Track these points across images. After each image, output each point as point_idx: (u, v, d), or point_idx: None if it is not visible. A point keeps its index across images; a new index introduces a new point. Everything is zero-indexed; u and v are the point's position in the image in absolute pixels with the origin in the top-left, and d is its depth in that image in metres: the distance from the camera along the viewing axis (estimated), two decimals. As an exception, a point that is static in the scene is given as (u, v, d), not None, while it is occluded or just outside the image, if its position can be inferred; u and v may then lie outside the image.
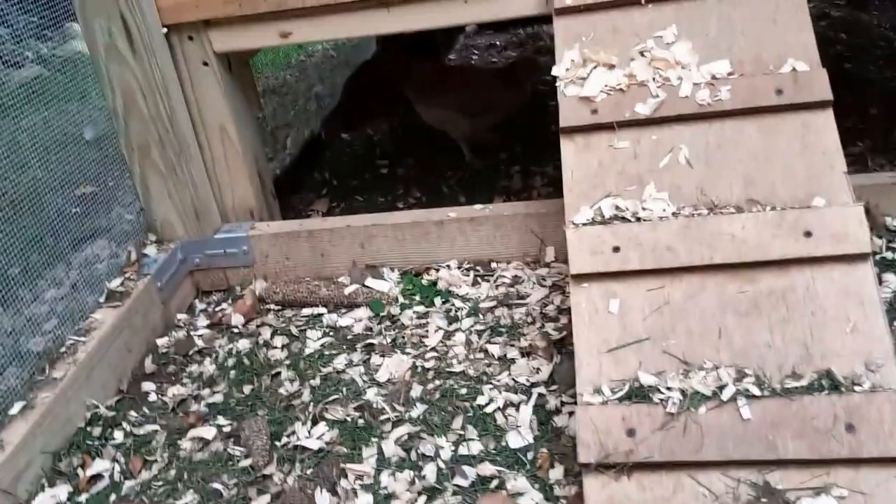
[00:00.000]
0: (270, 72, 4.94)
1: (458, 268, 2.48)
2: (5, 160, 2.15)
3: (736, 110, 1.92)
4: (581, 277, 1.81)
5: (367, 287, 2.45)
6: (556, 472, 1.77)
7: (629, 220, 1.84)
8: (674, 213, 1.83)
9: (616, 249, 1.80)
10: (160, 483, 1.89)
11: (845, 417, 1.52)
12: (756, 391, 1.59)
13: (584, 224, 1.86)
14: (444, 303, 2.36)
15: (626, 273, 1.79)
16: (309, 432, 1.96)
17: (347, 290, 2.44)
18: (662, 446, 1.58)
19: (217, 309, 2.53)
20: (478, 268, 2.48)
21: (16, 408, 1.92)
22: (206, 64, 2.48)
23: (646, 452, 1.58)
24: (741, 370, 1.64)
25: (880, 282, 2.05)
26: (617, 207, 1.87)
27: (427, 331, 2.26)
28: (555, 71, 2.11)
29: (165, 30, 2.40)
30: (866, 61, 3.75)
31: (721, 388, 1.61)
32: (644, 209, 1.85)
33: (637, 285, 1.78)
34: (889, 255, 2.13)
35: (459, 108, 3.29)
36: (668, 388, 1.64)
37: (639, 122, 1.95)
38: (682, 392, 1.63)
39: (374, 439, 1.92)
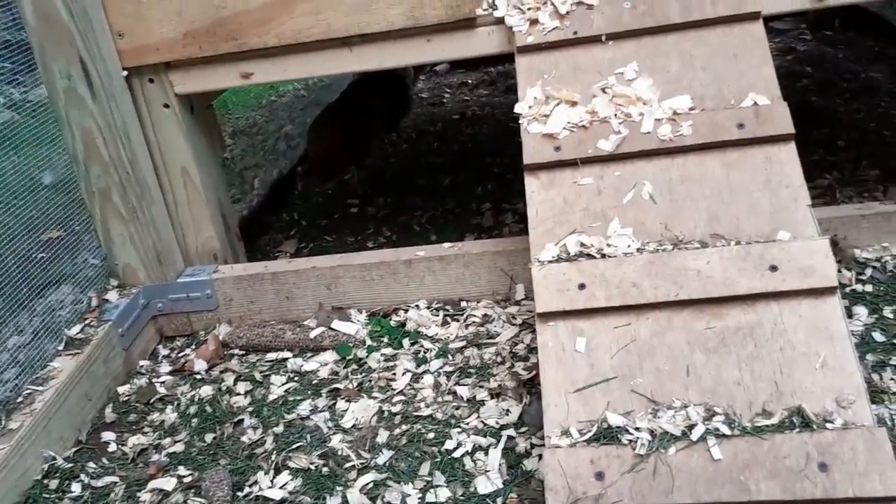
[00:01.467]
0: (241, 112, 4.92)
1: (428, 308, 2.44)
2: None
3: (698, 145, 1.91)
4: (547, 316, 1.78)
5: (334, 330, 2.40)
6: (526, 519, 1.72)
7: (594, 257, 1.81)
8: (638, 249, 1.81)
9: (582, 287, 1.78)
10: (115, 540, 1.82)
11: (818, 456, 1.49)
12: (726, 430, 1.56)
13: (550, 261, 1.84)
14: (412, 344, 2.32)
15: (592, 310, 1.76)
16: (272, 482, 1.90)
17: (313, 334, 2.39)
18: (632, 490, 1.54)
19: (180, 355, 2.47)
20: (447, 307, 2.44)
21: (-34, 462, 1.85)
22: (167, 106, 2.45)
23: (615, 496, 1.54)
24: (710, 409, 1.60)
25: (850, 315, 2.03)
26: (582, 244, 1.84)
27: (395, 373, 2.21)
28: (518, 108, 2.10)
29: (125, 72, 2.37)
30: (833, 94, 3.78)
31: (690, 427, 1.58)
32: (609, 245, 1.82)
33: (604, 323, 1.75)
34: (859, 287, 2.12)
35: None
36: (637, 429, 1.60)
37: (602, 159, 1.94)
38: (651, 432, 1.59)
39: (338, 488, 1.85)
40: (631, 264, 1.77)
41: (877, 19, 4.48)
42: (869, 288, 2.10)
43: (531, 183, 1.96)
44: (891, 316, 2.02)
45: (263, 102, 5.14)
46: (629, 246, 1.81)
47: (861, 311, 2.05)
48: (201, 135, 2.58)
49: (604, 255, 1.81)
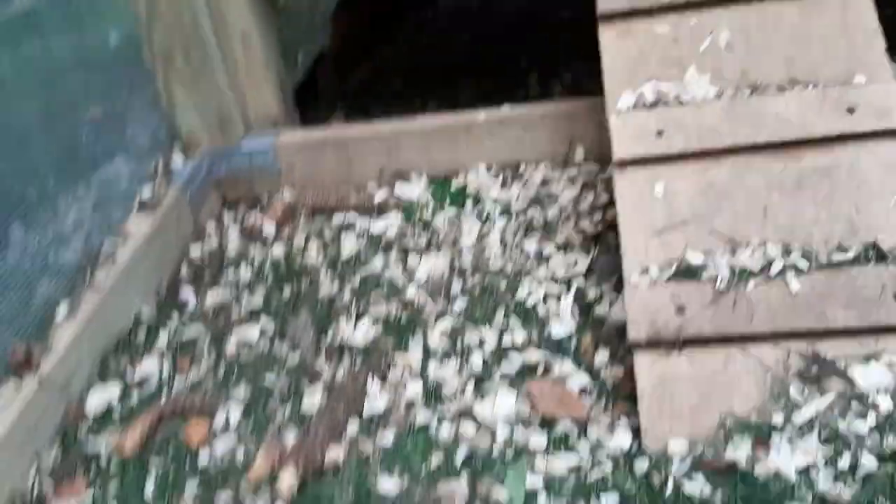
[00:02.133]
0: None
1: (487, 171, 2.47)
2: (17, 82, 2.13)
3: (775, -10, 1.90)
4: (625, 163, 1.82)
5: (397, 193, 2.45)
6: (601, 357, 1.80)
7: (672, 104, 1.83)
8: (716, 95, 1.82)
9: (660, 133, 1.80)
10: (209, 381, 1.92)
11: (893, 287, 1.54)
12: (803, 265, 1.61)
13: (627, 109, 1.86)
14: (475, 205, 2.37)
15: (670, 157, 1.79)
16: (354, 329, 1.98)
17: (377, 197, 2.44)
18: (713, 321, 1.61)
19: (246, 218, 2.53)
20: (506, 170, 2.47)
21: (61, 309, 1.94)
22: (226, -31, 2.43)
23: (696, 328, 1.61)
24: (788, 245, 1.65)
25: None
26: (659, 92, 1.86)
27: (461, 232, 2.27)
28: (587, -41, 2.07)
29: (186, -66, 2.34)
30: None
31: (769, 263, 1.63)
32: (686, 92, 1.84)
33: (681, 168, 1.78)
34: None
35: None
36: (716, 266, 1.66)
37: (678, 7, 1.93)
38: (731, 269, 1.64)
39: (418, 332, 1.94)
40: (709, 110, 1.79)
41: None
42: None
43: (606, 32, 1.96)
44: (956, 165, 2.04)
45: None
46: (707, 92, 1.83)
47: (926, 161, 2.07)
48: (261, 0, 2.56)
49: (681, 102, 1.83)
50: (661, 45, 1.91)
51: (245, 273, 2.27)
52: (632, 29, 1.94)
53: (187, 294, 2.23)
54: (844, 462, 1.43)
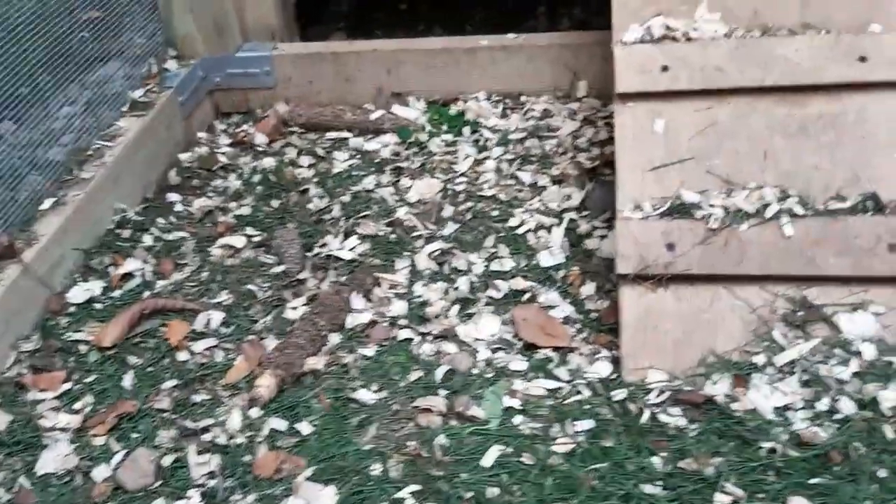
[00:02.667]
0: None
1: (487, 99, 2.43)
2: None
3: (795, -67, 1.85)
4: (627, 97, 1.78)
5: (394, 114, 2.41)
6: (588, 289, 1.80)
7: (679, 40, 1.80)
8: (726, 35, 1.79)
9: (665, 69, 1.77)
10: (193, 284, 1.90)
11: (889, 238, 1.54)
12: (800, 210, 1.60)
13: (633, 42, 1.82)
14: (472, 132, 2.33)
15: (673, 93, 1.76)
16: (341, 244, 1.97)
17: (373, 116, 2.40)
18: (702, 260, 1.60)
19: (238, 129, 2.49)
20: (507, 100, 2.44)
21: (46, 203, 1.91)
22: None
23: (685, 265, 1.60)
24: (785, 191, 1.64)
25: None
26: (667, 27, 1.82)
27: (456, 158, 2.24)
28: None
29: None
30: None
31: (765, 206, 1.62)
32: (695, 29, 1.80)
33: (684, 105, 1.75)
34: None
35: None
36: (711, 206, 1.64)
37: (694, -59, 1.88)
38: (725, 209, 1.63)
39: (406, 253, 1.93)
40: (717, 48, 1.76)
41: None
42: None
43: (618, -38, 1.91)
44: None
45: None
46: (716, 30, 1.79)
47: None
48: None
49: (689, 39, 1.80)
50: (676, -22, 1.86)
51: (234, 182, 2.24)
52: (646, -41, 1.89)
53: (175, 198, 2.20)
54: (823, 405, 1.44)
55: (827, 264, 1.55)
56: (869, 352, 1.49)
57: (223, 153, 2.37)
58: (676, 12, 1.84)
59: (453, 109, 2.43)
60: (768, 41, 1.75)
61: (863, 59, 1.68)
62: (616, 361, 1.61)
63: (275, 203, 2.14)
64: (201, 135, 2.46)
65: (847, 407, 1.43)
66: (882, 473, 1.32)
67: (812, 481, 1.33)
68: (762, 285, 1.58)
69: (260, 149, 2.37)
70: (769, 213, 1.61)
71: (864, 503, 1.29)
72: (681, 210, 1.66)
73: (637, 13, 1.87)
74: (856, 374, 1.47)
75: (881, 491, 1.30)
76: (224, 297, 1.85)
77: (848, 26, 1.75)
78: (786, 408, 1.45)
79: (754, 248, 1.59)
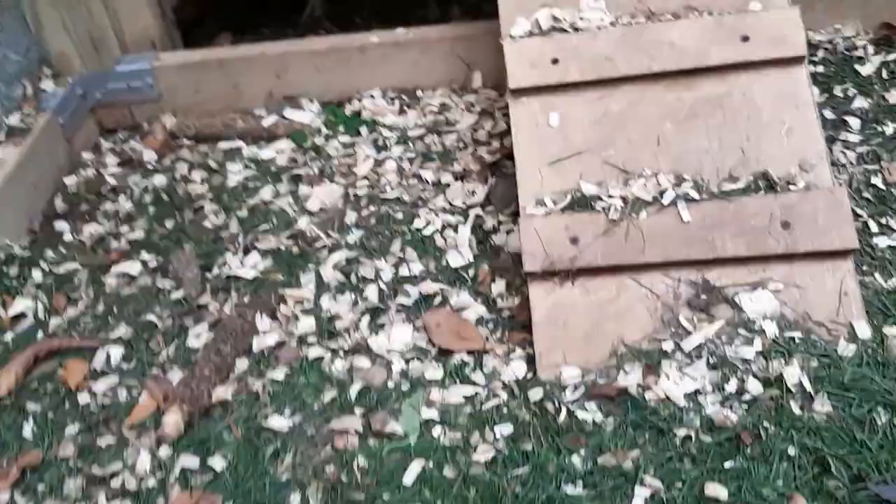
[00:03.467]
0: None
1: (383, 96, 2.39)
2: None
3: (671, -85, 1.86)
4: (520, 92, 1.77)
5: (287, 118, 2.34)
6: (498, 287, 1.78)
7: (567, 31, 1.79)
8: (612, 23, 1.79)
9: (555, 61, 1.76)
10: (89, 318, 1.81)
11: (781, 215, 1.57)
12: (695, 195, 1.62)
13: (522, 36, 1.81)
14: (370, 132, 2.29)
15: (565, 85, 1.76)
16: (241, 262, 1.90)
17: (266, 122, 2.33)
18: (605, 251, 1.61)
19: (125, 146, 2.38)
20: (403, 96, 2.40)
21: (-80, 247, 1.79)
22: None
23: (589, 258, 1.61)
24: (680, 176, 1.66)
25: (803, 94, 2.10)
26: (554, 18, 1.81)
27: (355, 160, 2.19)
28: None
29: None
30: None
31: (661, 193, 1.63)
32: (582, 19, 1.80)
33: (577, 97, 1.75)
34: (812, 67, 2.17)
35: None
36: (610, 196, 1.65)
37: (575, -71, 1.87)
38: (623, 199, 1.64)
39: (310, 266, 1.88)
40: (604, 37, 1.76)
41: None
42: (821, 69, 2.16)
43: (501, -46, 1.89)
44: (840, 95, 2.09)
45: None
46: (602, 19, 1.79)
47: (814, 90, 2.11)
48: None
49: (577, 29, 1.79)
50: (559, -33, 1.85)
51: (125, 204, 2.14)
52: (529, -50, 1.87)
53: (63, 227, 2.10)
54: (731, 387, 1.47)
55: (725, 246, 1.57)
56: (770, 329, 1.52)
57: (111, 174, 2.26)
58: (562, 3, 1.83)
59: (349, 109, 2.38)
60: (654, 27, 1.76)
61: (745, 38, 1.71)
62: (531, 360, 1.61)
63: (169, 223, 2.06)
64: (86, 156, 2.35)
65: (754, 387, 1.46)
66: (792, 451, 1.36)
67: (727, 465, 1.36)
68: (665, 272, 1.60)
69: (149, 166, 2.27)
70: (666, 199, 1.62)
71: (777, 482, 1.32)
72: (581, 203, 1.67)
73: (523, 5, 1.85)
74: (760, 353, 1.50)
75: (792, 468, 1.34)
76: (123, 330, 1.77)
77: (730, 6, 1.77)
78: (696, 393, 1.48)
79: (654, 235, 1.60)
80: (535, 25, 1.82)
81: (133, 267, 1.93)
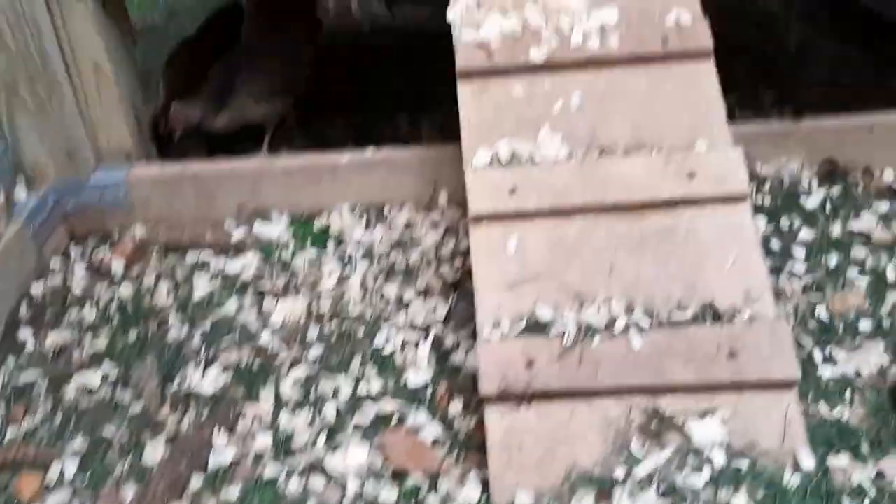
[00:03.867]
0: (137, 14, 4.67)
1: (351, 212, 2.46)
2: None
3: (624, 58, 1.99)
4: (480, 219, 1.85)
5: (256, 232, 2.40)
6: (455, 407, 1.81)
7: (525, 163, 1.89)
8: (568, 156, 1.89)
9: (513, 191, 1.85)
10: (45, 430, 1.81)
11: (728, 345, 1.63)
12: (645, 323, 1.68)
13: (482, 166, 1.90)
14: (336, 247, 2.35)
15: (522, 213, 1.84)
16: (202, 376, 1.92)
17: (235, 235, 2.39)
18: (560, 376, 1.65)
19: (95, 255, 2.41)
20: (370, 212, 2.47)
21: None
22: (78, -3, 2.33)
23: (544, 382, 1.65)
24: (631, 303, 1.72)
25: (751, 224, 2.20)
26: (514, 150, 1.91)
27: (320, 275, 2.24)
28: (450, 14, 2.11)
29: (33, -43, 2.23)
30: (734, 20, 3.93)
31: (613, 320, 1.69)
32: (539, 152, 1.90)
33: (533, 225, 1.83)
34: (759, 200, 2.28)
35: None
36: (564, 321, 1.70)
37: (533, 68, 1.99)
38: (577, 325, 1.70)
39: (270, 381, 1.90)
40: (560, 170, 1.85)
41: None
42: (768, 201, 2.27)
43: (464, 89, 2.00)
44: (786, 226, 2.19)
45: (161, 2, 4.89)
46: (559, 152, 1.89)
47: (760, 221, 2.22)
48: (114, 28, 2.47)
49: (534, 161, 1.89)
50: (517, 104, 1.96)
51: (89, 314, 2.16)
52: (489, 87, 1.99)
53: (25, 335, 2.11)
54: (680, 516, 1.49)
55: (674, 374, 1.63)
56: (719, 458, 1.56)
57: (78, 283, 2.29)
58: (521, 135, 1.93)
59: (317, 224, 2.44)
60: (607, 161, 1.86)
61: (692, 175, 1.81)
62: (485, 482, 1.63)
63: (132, 335, 2.08)
64: (55, 264, 2.37)
65: (702, 516, 1.49)
66: (737, 583, 1.38)
67: None
68: (618, 398, 1.64)
69: (117, 276, 2.30)
70: (618, 326, 1.68)
71: None
72: (537, 327, 1.72)
73: (485, 137, 1.95)
74: (708, 482, 1.53)
75: None
76: (79, 443, 1.77)
77: (677, 144, 1.88)
78: (647, 522, 1.50)
79: (606, 362, 1.65)
80: (496, 156, 1.91)
81: (94, 378, 1.94)
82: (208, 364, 1.95)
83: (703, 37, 1.98)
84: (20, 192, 2.37)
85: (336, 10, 4.59)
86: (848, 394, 1.72)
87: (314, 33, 3.61)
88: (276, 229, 2.40)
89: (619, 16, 2.05)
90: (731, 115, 2.92)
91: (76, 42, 2.38)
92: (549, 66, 2.00)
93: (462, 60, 2.03)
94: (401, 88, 3.48)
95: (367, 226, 2.42)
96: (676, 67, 1.98)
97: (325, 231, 2.41)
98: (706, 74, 1.96)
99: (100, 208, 2.46)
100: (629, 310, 1.71)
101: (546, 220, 1.83)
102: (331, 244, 2.35)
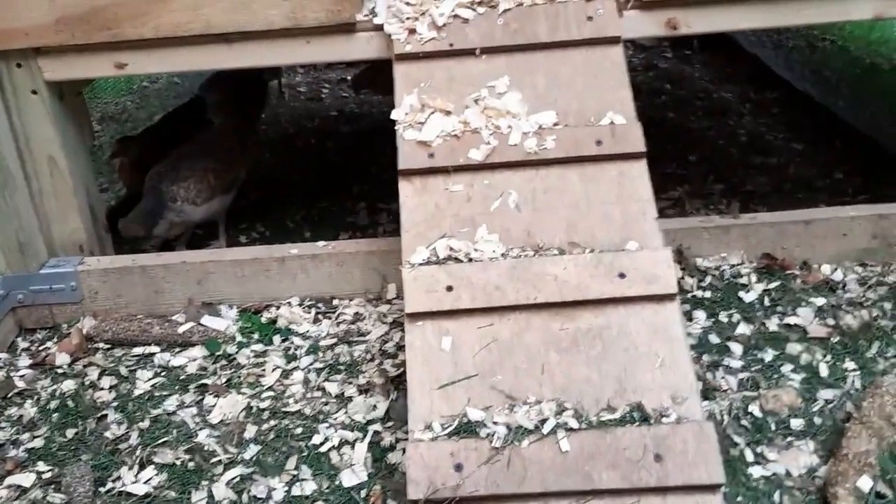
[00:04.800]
0: (110, 97, 4.77)
1: (300, 305, 2.48)
2: None
3: (560, 159, 2.04)
4: (416, 316, 1.87)
5: (203, 325, 2.41)
6: (389, 509, 1.80)
7: (462, 261, 1.91)
8: (503, 255, 1.92)
9: (449, 289, 1.87)
10: (-31, 536, 1.78)
11: (654, 448, 1.64)
12: (574, 424, 1.69)
13: (421, 264, 1.92)
14: (283, 341, 2.36)
15: (458, 311, 1.85)
16: (136, 477, 1.90)
17: (182, 329, 2.39)
18: (488, 480, 1.64)
19: (41, 348, 2.41)
20: (319, 304, 2.49)
21: None
22: (35, 92, 2.38)
23: (472, 487, 1.64)
24: (562, 404, 1.73)
25: (690, 318, 2.23)
26: (451, 248, 1.94)
27: (264, 370, 2.24)
28: (394, 115, 2.17)
29: (-9, 55, 2.29)
30: (688, 112, 4.06)
31: (543, 421, 1.70)
32: (476, 250, 1.93)
33: (468, 323, 1.85)
34: (699, 293, 2.32)
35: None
36: (495, 423, 1.71)
37: (472, 167, 2.04)
38: (507, 426, 1.70)
39: (204, 482, 1.88)
40: (495, 268, 1.88)
41: (730, 42, 4.82)
42: (708, 294, 2.31)
43: (405, 187, 2.04)
44: (725, 320, 2.22)
45: (135, 88, 5.00)
46: (494, 251, 1.92)
47: (700, 315, 2.25)
48: (70, 123, 2.52)
49: (471, 260, 1.91)
50: (456, 202, 2.00)
51: (30, 410, 2.15)
52: (429, 186, 2.03)
53: (-38, 432, 2.08)
54: None
55: (601, 478, 1.62)
56: (641, 565, 1.54)
57: (21, 376, 2.28)
58: (459, 234, 1.97)
59: (265, 317, 2.45)
60: (540, 260, 1.89)
61: (622, 275, 1.84)
62: (414, 591, 1.60)
63: (70, 432, 2.06)
64: (0, 356, 2.37)
65: None
66: None
67: None
68: (545, 502, 1.63)
69: (61, 370, 2.29)
70: (546, 428, 1.68)
71: None
72: (467, 429, 1.72)
73: (424, 235, 1.98)
74: (633, 590, 1.52)
75: None
76: (2, 549, 1.74)
77: (609, 244, 1.92)
78: None
79: (535, 465, 1.65)
80: (434, 254, 1.94)
81: (27, 479, 1.92)
82: (143, 464, 1.93)
83: (636, 139, 2.04)
84: (-32, 285, 2.37)
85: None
86: (777, 495, 1.71)
87: (255, 120, 3.69)
88: (223, 322, 2.41)
89: (556, 117, 2.11)
90: (682, 207, 3.03)
91: (31, 136, 2.44)
92: (488, 166, 2.05)
93: (404, 159, 2.08)
94: (361, 178, 3.54)
95: (316, 319, 2.44)
96: (610, 168, 2.03)
97: (273, 323, 2.42)
98: (638, 175, 2.01)
99: (49, 300, 2.47)
100: (559, 411, 1.72)
101: (481, 319, 1.85)
102: (277, 338, 2.36)
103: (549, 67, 2.20)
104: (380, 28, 2.31)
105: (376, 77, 4.07)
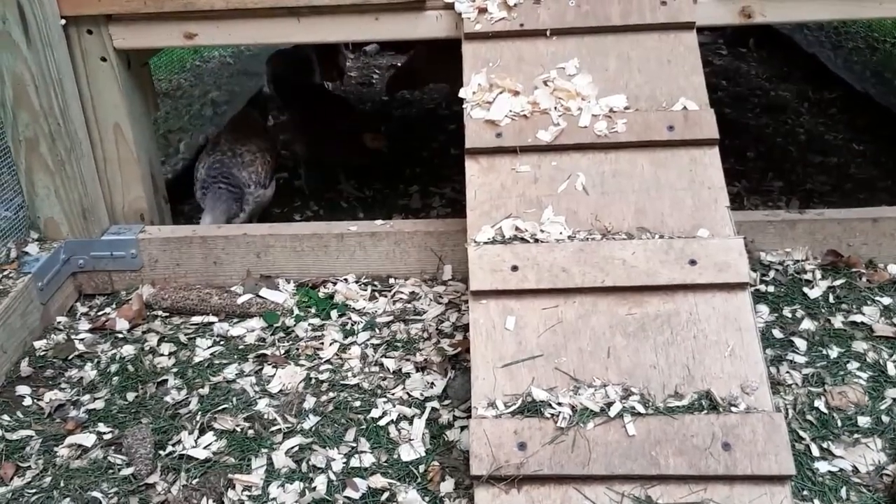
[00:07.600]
0: (164, 74, 4.80)
1: (356, 282, 2.48)
2: None
3: (630, 143, 2.02)
4: (480, 294, 1.86)
5: (261, 297, 2.42)
6: (447, 486, 1.79)
7: (528, 241, 1.90)
8: (570, 237, 1.90)
9: (514, 268, 1.86)
10: (34, 491, 1.80)
11: (722, 436, 1.62)
12: (641, 409, 1.67)
13: (486, 243, 1.91)
14: (340, 316, 2.36)
15: (522, 291, 1.84)
16: (196, 441, 1.91)
17: (240, 300, 2.40)
18: (552, 460, 1.63)
19: (100, 313, 2.44)
20: (375, 283, 2.49)
21: None
22: (104, 60, 2.40)
23: (536, 466, 1.63)
24: (627, 388, 1.71)
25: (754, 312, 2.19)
26: (517, 228, 1.92)
27: (322, 343, 2.25)
28: (462, 94, 2.16)
29: (64, 21, 2.31)
30: (745, 108, 4.00)
31: (609, 404, 1.68)
32: (542, 231, 1.91)
33: (533, 303, 1.84)
34: (762, 287, 2.28)
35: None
36: (559, 404, 1.69)
37: (540, 148, 2.03)
38: (572, 408, 1.69)
39: (263, 450, 1.89)
40: (562, 250, 1.87)
41: (787, 42, 4.75)
42: (771, 289, 2.27)
43: (471, 166, 2.03)
44: (789, 315, 2.19)
45: (188, 66, 5.02)
46: (561, 233, 1.91)
47: (763, 309, 2.21)
48: (136, 92, 2.54)
49: (537, 241, 1.90)
50: (523, 183, 1.99)
51: (90, 373, 2.17)
52: (496, 165, 2.02)
53: (24, 391, 2.11)
54: None
55: (667, 464, 1.60)
56: (710, 552, 1.53)
57: (81, 339, 2.30)
58: (525, 215, 1.96)
59: (322, 292, 2.46)
60: (608, 244, 1.87)
61: (693, 262, 1.82)
62: (473, 567, 1.60)
63: (130, 396, 2.08)
64: (61, 319, 2.40)
65: None
66: None
67: None
68: (609, 485, 1.62)
69: (120, 335, 2.32)
70: (613, 411, 1.67)
71: None
72: (531, 408, 1.71)
73: (489, 214, 1.97)
74: (698, 578, 1.50)
75: None
76: (66, 505, 1.76)
77: (679, 230, 1.89)
78: None
79: (600, 447, 1.63)
80: (499, 233, 1.93)
81: (87, 439, 1.94)
82: (203, 429, 1.95)
83: (709, 126, 2.01)
84: (32, 248, 2.40)
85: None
86: (844, 491, 1.68)
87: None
88: (281, 295, 2.42)
89: (627, 101, 2.09)
90: (741, 203, 2.98)
91: (99, 103, 2.46)
92: (556, 147, 2.04)
93: (471, 138, 2.07)
94: (413, 163, 3.54)
95: (372, 296, 2.44)
96: (681, 154, 2.00)
97: (330, 299, 2.43)
98: (710, 162, 1.98)
99: (109, 267, 2.49)
100: (626, 395, 1.70)
101: (545, 300, 1.83)
102: (334, 313, 2.36)
103: (621, 51, 2.17)
104: (450, 6, 2.30)
105: (413, 77, 4.11)
